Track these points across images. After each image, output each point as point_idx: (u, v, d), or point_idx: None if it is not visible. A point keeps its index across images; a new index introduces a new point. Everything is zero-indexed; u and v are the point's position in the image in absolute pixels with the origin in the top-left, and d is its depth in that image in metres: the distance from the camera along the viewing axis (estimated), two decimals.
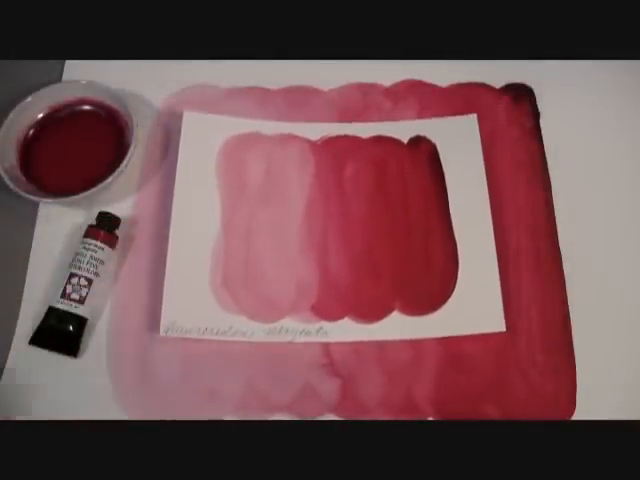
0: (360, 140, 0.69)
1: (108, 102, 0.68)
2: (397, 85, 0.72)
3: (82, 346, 0.60)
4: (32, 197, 0.62)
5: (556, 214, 0.65)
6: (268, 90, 0.71)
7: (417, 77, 0.72)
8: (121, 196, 0.66)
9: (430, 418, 0.58)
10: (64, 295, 0.59)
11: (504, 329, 0.60)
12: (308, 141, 0.68)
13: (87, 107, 0.69)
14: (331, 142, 0.68)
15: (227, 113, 0.69)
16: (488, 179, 0.66)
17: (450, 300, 0.62)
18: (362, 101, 0.71)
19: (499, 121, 0.70)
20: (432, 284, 0.62)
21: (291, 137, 0.69)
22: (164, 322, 0.60)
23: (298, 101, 0.71)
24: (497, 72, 0.72)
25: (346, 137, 0.69)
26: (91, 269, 0.60)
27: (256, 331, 0.60)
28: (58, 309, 0.59)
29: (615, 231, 0.65)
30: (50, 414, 0.57)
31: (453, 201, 0.65)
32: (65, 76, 0.71)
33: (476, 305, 0.61)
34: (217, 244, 0.63)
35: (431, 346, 0.60)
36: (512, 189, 0.66)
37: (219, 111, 0.69)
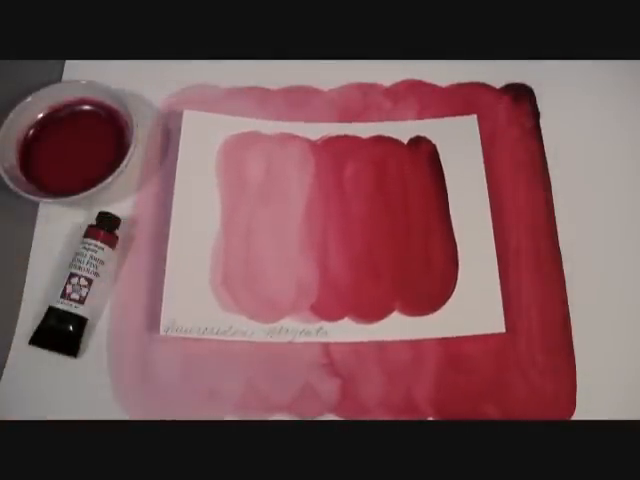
0: (360, 140, 0.69)
1: (108, 102, 0.68)
2: (397, 85, 0.72)
3: (82, 346, 0.60)
4: (32, 197, 0.62)
5: (556, 214, 0.65)
6: (268, 90, 0.71)
7: (417, 77, 0.72)
8: (121, 196, 0.66)
9: (430, 418, 0.58)
10: (64, 295, 0.59)
11: (504, 330, 0.60)
12: (308, 141, 0.68)
13: (87, 107, 0.69)
14: (331, 142, 0.68)
15: (227, 113, 0.69)
16: (488, 179, 0.66)
17: (450, 300, 0.61)
18: (362, 101, 0.71)
19: (499, 121, 0.70)
20: (432, 284, 0.62)
21: (291, 137, 0.69)
22: (164, 322, 0.60)
23: (298, 101, 0.71)
24: (497, 72, 0.72)
25: (346, 137, 0.69)
26: (91, 269, 0.60)
27: (256, 331, 0.60)
28: (58, 309, 0.59)
29: (615, 231, 0.65)
30: (50, 414, 0.57)
31: (453, 201, 0.65)
32: (65, 76, 0.71)
33: (476, 306, 0.61)
34: (217, 243, 0.63)
35: (431, 346, 0.60)
36: (512, 189, 0.66)
37: (219, 111, 0.69)
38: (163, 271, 0.62)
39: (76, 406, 0.58)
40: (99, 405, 0.58)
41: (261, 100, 0.71)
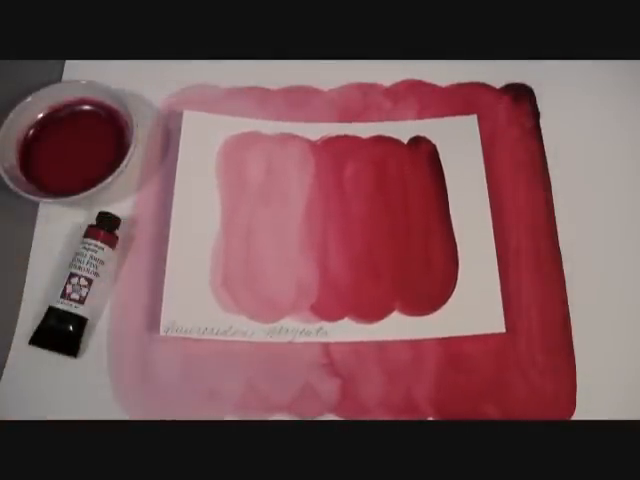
0: (360, 140, 0.69)
1: (108, 102, 0.67)
2: (397, 85, 0.72)
3: (82, 346, 0.60)
4: (32, 197, 0.62)
5: (556, 214, 0.65)
6: (268, 90, 0.71)
7: (417, 77, 0.72)
8: (121, 196, 0.66)
9: (430, 418, 0.58)
10: (64, 295, 0.59)
11: (504, 330, 0.60)
12: (308, 141, 0.68)
13: (87, 107, 0.69)
14: (331, 142, 0.68)
15: (227, 113, 0.69)
16: (488, 179, 0.66)
17: (450, 300, 0.61)
18: (362, 101, 0.71)
19: (499, 121, 0.70)
20: (432, 284, 0.62)
21: (291, 137, 0.69)
22: (164, 322, 0.60)
23: (298, 101, 0.71)
24: (497, 72, 0.72)
25: (346, 137, 0.69)
26: (91, 269, 0.60)
27: (256, 331, 0.60)
28: (58, 309, 0.59)
29: (615, 231, 0.65)
30: (50, 414, 0.57)
31: (453, 201, 0.65)
32: (65, 76, 0.71)
33: (476, 306, 0.61)
34: (217, 244, 0.63)
35: (431, 346, 0.60)
36: (512, 189, 0.66)
37: (219, 111, 0.69)
38: (163, 271, 0.62)
39: (76, 406, 0.58)
40: (99, 405, 0.58)
41: (261, 100, 0.71)
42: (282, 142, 0.68)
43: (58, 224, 0.65)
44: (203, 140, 0.67)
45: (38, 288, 0.62)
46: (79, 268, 0.60)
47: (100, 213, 0.63)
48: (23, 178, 0.64)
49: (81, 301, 0.59)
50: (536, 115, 0.70)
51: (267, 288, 0.62)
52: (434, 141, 0.68)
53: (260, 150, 0.68)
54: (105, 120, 0.68)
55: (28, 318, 0.61)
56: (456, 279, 0.62)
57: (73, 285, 0.59)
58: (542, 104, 0.70)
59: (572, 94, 0.71)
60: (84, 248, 0.61)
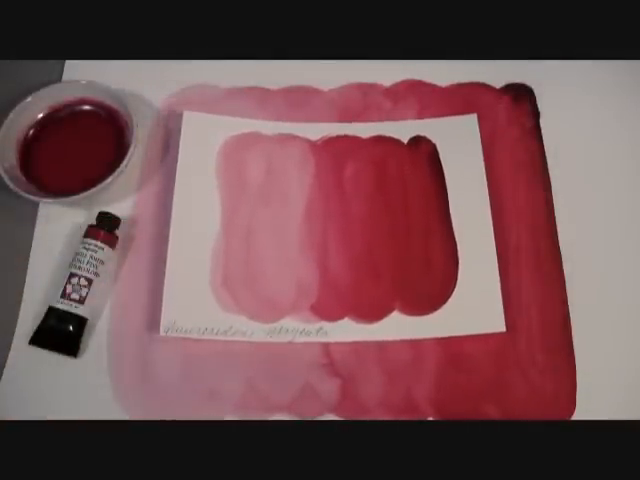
0: (360, 140, 0.69)
1: (108, 102, 0.68)
2: (397, 85, 0.72)
3: (82, 346, 0.60)
4: (32, 197, 0.62)
5: (556, 214, 0.65)
6: (268, 90, 0.71)
7: (417, 77, 0.72)
8: (121, 196, 0.66)
9: (430, 418, 0.58)
10: (64, 295, 0.59)
11: (504, 329, 0.60)
12: (308, 141, 0.68)
13: (87, 107, 0.69)
14: (331, 142, 0.68)
15: (227, 113, 0.69)
16: (488, 179, 0.66)
17: (450, 300, 0.61)
18: (362, 101, 0.71)
19: (499, 121, 0.70)
20: (432, 284, 0.62)
21: (291, 137, 0.69)
22: (164, 322, 0.60)
23: (298, 101, 0.71)
24: (497, 72, 0.72)
25: (346, 137, 0.69)
26: (91, 269, 0.60)
27: (256, 331, 0.60)
28: (58, 309, 0.59)
29: (615, 231, 0.65)
30: (50, 414, 0.57)
31: (453, 201, 0.65)
32: (65, 76, 0.71)
33: (476, 305, 0.61)
34: (217, 244, 0.63)
35: (431, 346, 0.60)
36: (512, 189, 0.66)
37: (219, 111, 0.69)
38: (163, 271, 0.62)
39: (76, 406, 0.58)
40: (99, 405, 0.58)
41: (261, 100, 0.71)
42: (282, 142, 0.68)
43: (58, 224, 0.65)
44: (203, 140, 0.67)
45: (38, 288, 0.62)
46: (79, 268, 0.60)
47: (100, 213, 0.63)
48: (23, 178, 0.64)
49: (81, 301, 0.59)
50: (536, 115, 0.70)
51: (267, 288, 0.62)
52: (434, 141, 0.68)
53: (260, 150, 0.68)
54: (105, 120, 0.68)
55: (28, 318, 0.61)
56: (456, 279, 0.62)
57: (73, 285, 0.59)
58: (542, 104, 0.70)
59: (572, 94, 0.71)
60: (84, 248, 0.61)
